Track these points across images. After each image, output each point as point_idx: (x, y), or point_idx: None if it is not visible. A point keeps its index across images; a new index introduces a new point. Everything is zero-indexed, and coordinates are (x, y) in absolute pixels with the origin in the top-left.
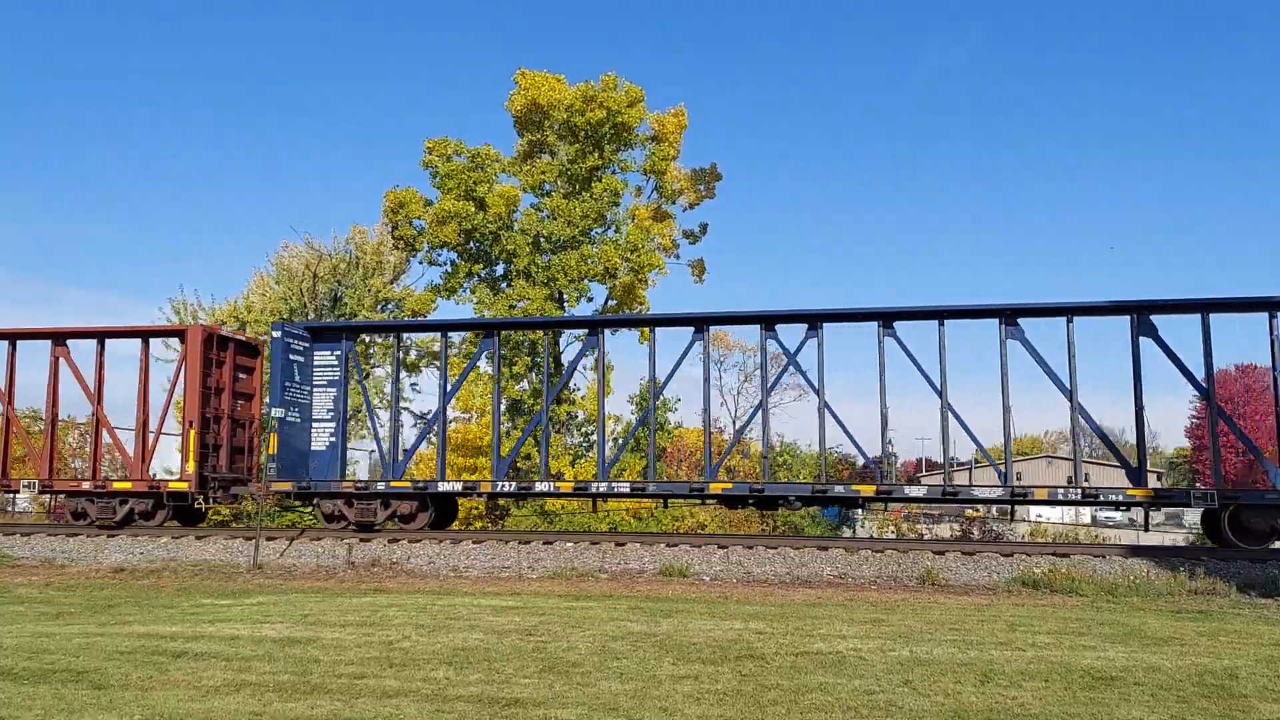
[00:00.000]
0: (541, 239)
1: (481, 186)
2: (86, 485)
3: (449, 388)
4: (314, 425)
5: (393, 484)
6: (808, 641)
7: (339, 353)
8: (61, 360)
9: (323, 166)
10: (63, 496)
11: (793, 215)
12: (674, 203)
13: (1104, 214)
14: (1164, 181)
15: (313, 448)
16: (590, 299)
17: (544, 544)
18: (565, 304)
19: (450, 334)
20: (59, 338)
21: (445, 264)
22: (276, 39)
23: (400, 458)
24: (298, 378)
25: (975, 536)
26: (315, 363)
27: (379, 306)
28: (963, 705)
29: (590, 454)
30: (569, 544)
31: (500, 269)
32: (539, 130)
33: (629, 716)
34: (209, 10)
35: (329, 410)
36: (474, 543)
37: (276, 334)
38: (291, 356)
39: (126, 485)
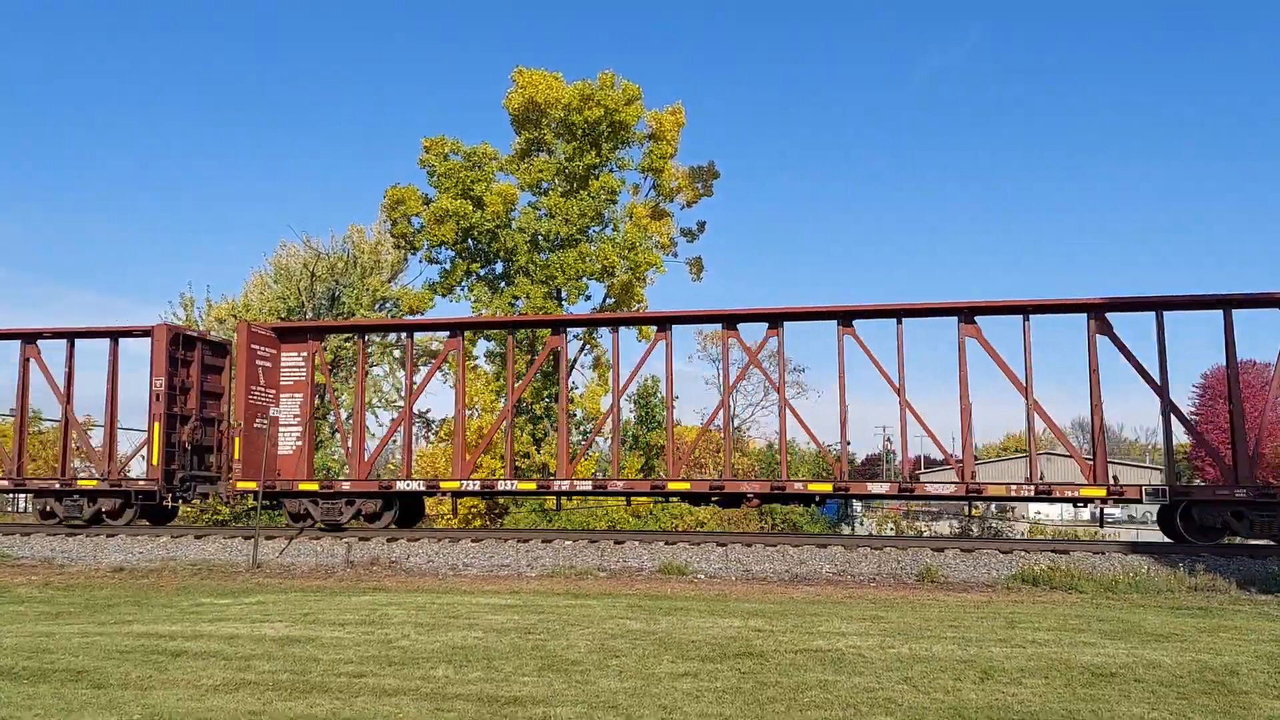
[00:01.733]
0: (539, 237)
1: (479, 185)
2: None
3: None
4: None
5: None
6: (807, 639)
7: None
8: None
9: (321, 166)
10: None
11: (791, 214)
12: (672, 201)
13: (1104, 214)
14: (1164, 181)
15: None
16: (588, 297)
17: (542, 542)
18: (564, 302)
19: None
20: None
21: (444, 262)
22: (276, 39)
23: None
24: None
25: (975, 534)
26: None
27: (376, 305)
28: (963, 702)
29: (591, 453)
30: (567, 542)
31: (499, 267)
32: (536, 128)
33: (628, 714)
34: (209, 10)
35: None
36: (473, 541)
37: None
38: None
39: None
